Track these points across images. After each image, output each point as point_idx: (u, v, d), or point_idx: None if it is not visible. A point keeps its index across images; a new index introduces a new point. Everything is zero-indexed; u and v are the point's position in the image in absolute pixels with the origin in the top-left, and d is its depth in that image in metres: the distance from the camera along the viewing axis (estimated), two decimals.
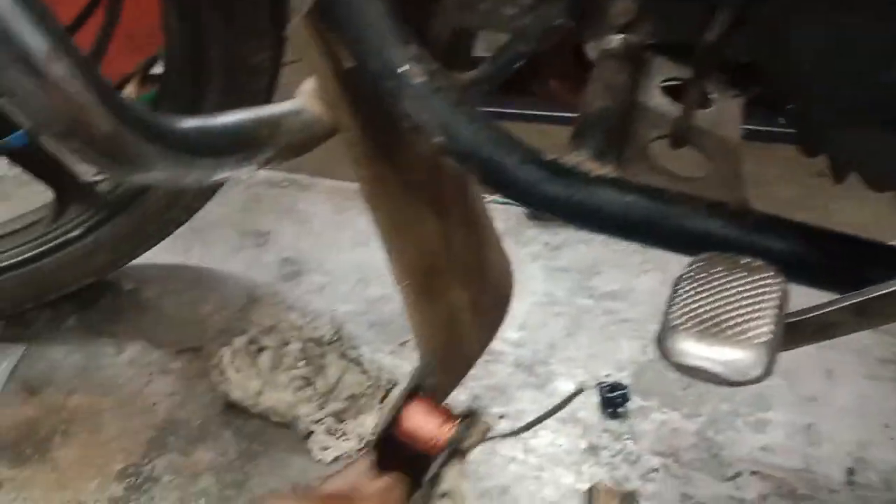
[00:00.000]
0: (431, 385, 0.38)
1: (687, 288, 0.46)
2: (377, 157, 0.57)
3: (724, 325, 0.44)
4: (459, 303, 0.73)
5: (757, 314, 0.44)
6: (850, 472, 0.90)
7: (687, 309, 0.45)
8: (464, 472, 0.36)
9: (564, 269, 1.22)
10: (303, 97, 0.54)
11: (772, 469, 0.91)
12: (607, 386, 0.99)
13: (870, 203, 1.31)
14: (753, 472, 0.91)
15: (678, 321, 0.44)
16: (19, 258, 1.18)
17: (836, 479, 0.89)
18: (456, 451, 0.36)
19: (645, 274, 1.18)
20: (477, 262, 0.77)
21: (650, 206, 0.52)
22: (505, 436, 0.87)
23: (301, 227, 1.36)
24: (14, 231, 1.19)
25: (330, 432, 0.98)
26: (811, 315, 0.46)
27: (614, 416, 0.98)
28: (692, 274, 0.47)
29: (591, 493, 0.77)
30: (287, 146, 0.53)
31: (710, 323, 0.44)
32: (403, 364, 1.07)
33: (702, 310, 0.44)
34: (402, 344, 1.12)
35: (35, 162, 1.12)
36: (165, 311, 1.23)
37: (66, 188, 1.16)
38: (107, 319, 1.22)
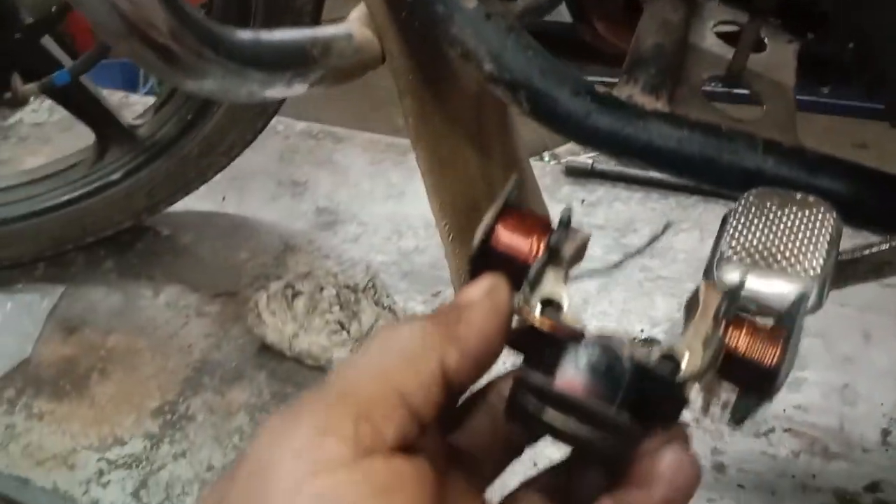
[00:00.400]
0: (522, 200, 0.36)
1: (738, 220, 0.45)
2: (423, 89, 0.57)
3: (775, 257, 0.43)
4: None
5: (809, 248, 0.43)
6: (885, 432, 0.89)
7: (737, 240, 0.44)
8: (564, 278, 0.35)
9: (600, 226, 1.21)
10: (352, 23, 0.54)
11: (805, 427, 0.90)
12: (640, 341, 0.99)
13: None
14: (786, 430, 0.90)
15: (728, 252, 0.43)
16: (60, 199, 1.20)
17: (870, 439, 0.89)
18: (554, 258, 0.35)
19: (683, 232, 1.17)
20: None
21: (703, 141, 0.51)
22: None
23: (337, 179, 1.36)
24: (55, 172, 1.21)
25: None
26: (865, 253, 0.45)
27: None
28: (744, 207, 0.46)
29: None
30: (335, 69, 0.53)
31: (761, 255, 0.43)
32: None
33: (753, 242, 0.44)
34: (435, 295, 1.13)
35: (77, 102, 1.13)
36: (202, 256, 1.25)
37: (107, 131, 1.17)
38: (144, 263, 1.24)
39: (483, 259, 0.35)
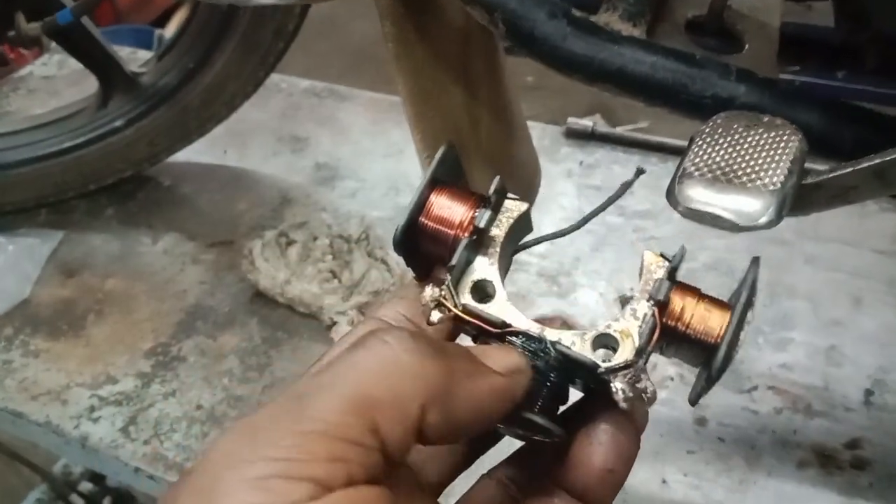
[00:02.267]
0: (456, 174, 0.33)
1: (704, 139, 0.45)
2: (405, 15, 0.57)
3: (737, 174, 0.43)
4: (481, 187, 0.74)
5: (772, 164, 0.43)
6: (868, 393, 0.89)
7: (701, 158, 0.44)
8: (497, 258, 0.32)
9: (597, 187, 1.21)
10: None
11: (789, 385, 0.91)
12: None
13: None
14: (770, 387, 0.91)
15: (691, 168, 0.44)
16: (63, 145, 1.21)
17: (853, 399, 0.89)
18: (484, 236, 0.32)
19: None
20: (503, 151, 0.77)
21: (677, 68, 0.51)
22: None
23: (338, 136, 1.37)
24: (59, 119, 1.23)
25: (352, 323, 1.00)
26: (829, 176, 0.45)
27: None
28: (711, 128, 0.46)
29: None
30: None
31: (723, 171, 0.43)
32: None
33: (716, 159, 0.44)
34: None
35: (80, 46, 1.14)
36: (201, 206, 1.26)
37: (111, 78, 1.19)
38: (144, 211, 1.26)
39: (412, 238, 0.32)
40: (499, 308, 0.31)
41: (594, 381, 0.32)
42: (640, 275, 0.34)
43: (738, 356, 0.96)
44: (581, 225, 0.37)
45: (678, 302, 0.33)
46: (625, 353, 0.32)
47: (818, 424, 0.87)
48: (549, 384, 0.31)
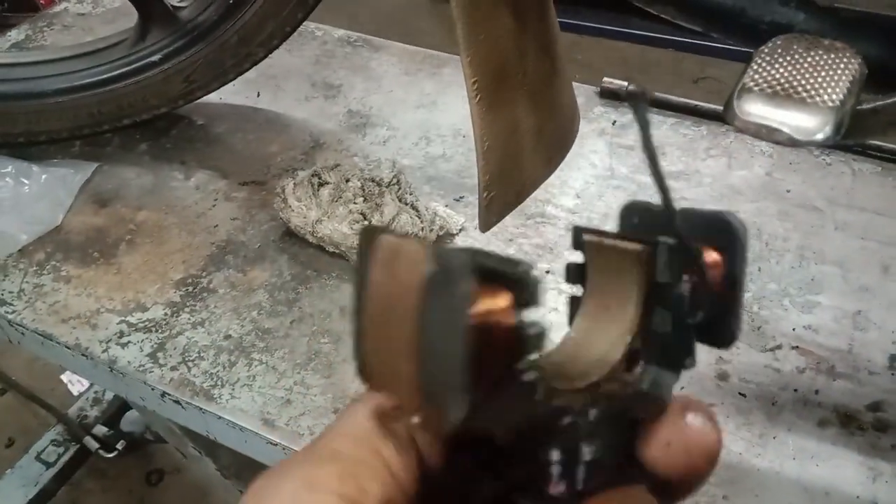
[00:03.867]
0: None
1: (763, 58, 0.45)
2: None
3: (796, 90, 0.43)
4: (524, 123, 0.74)
5: (831, 83, 0.43)
6: (893, 358, 0.89)
7: (760, 75, 0.44)
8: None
9: (630, 147, 1.21)
10: None
11: (813, 346, 0.91)
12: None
13: None
14: (794, 347, 0.91)
15: (750, 84, 0.44)
16: (100, 77, 1.22)
17: (878, 363, 0.89)
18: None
19: (711, 158, 1.17)
20: (546, 89, 0.77)
21: None
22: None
23: (371, 84, 1.37)
24: (97, 50, 1.24)
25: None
26: (888, 101, 0.45)
27: None
28: (770, 49, 0.46)
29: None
30: None
31: (782, 87, 0.43)
32: (456, 216, 1.09)
33: (776, 76, 0.44)
34: (458, 199, 1.14)
35: None
36: (234, 146, 1.27)
37: (151, 10, 1.19)
38: (177, 148, 1.27)
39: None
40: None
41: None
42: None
43: (763, 314, 0.95)
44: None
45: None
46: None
47: (841, 386, 0.87)
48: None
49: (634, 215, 0.35)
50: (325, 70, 1.41)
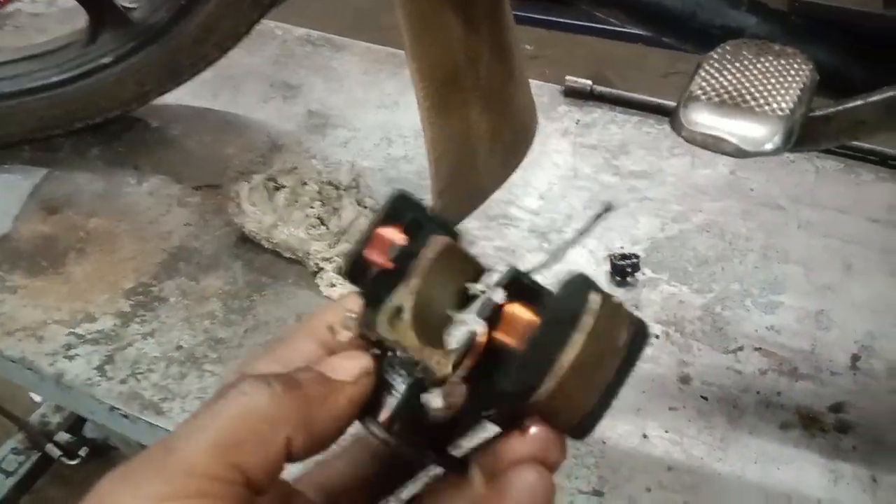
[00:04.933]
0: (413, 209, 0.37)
1: (711, 65, 0.44)
2: None
3: (744, 98, 0.42)
4: (478, 127, 0.72)
5: (781, 91, 0.42)
6: (855, 358, 0.88)
7: (708, 82, 0.43)
8: (414, 288, 0.34)
9: (593, 146, 1.20)
10: None
11: (776, 347, 0.90)
12: (619, 254, 0.98)
13: None
14: (756, 349, 0.90)
15: (697, 92, 0.42)
16: (50, 80, 1.18)
17: (839, 363, 0.88)
18: (412, 265, 0.33)
19: (674, 157, 1.16)
20: (501, 92, 0.75)
21: None
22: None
23: (331, 84, 1.34)
24: (47, 52, 1.20)
25: (339, 271, 0.99)
26: (840, 109, 0.44)
27: (622, 284, 0.97)
28: (719, 53, 0.44)
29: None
30: None
31: (730, 95, 0.42)
32: None
33: (724, 84, 0.42)
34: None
35: None
36: (189, 149, 1.24)
37: (101, 12, 1.15)
38: (131, 152, 1.23)
39: (357, 265, 0.34)
40: (401, 328, 0.31)
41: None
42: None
43: (726, 315, 0.95)
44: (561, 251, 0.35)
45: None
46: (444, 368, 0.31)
47: (803, 387, 0.86)
48: (394, 391, 0.31)
49: (406, 210, 0.35)
50: (285, 70, 1.38)
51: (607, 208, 0.74)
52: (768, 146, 0.40)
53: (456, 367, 0.31)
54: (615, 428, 0.83)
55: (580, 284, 0.33)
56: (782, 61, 0.43)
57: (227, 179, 1.16)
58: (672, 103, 1.25)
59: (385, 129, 1.24)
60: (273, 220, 1.02)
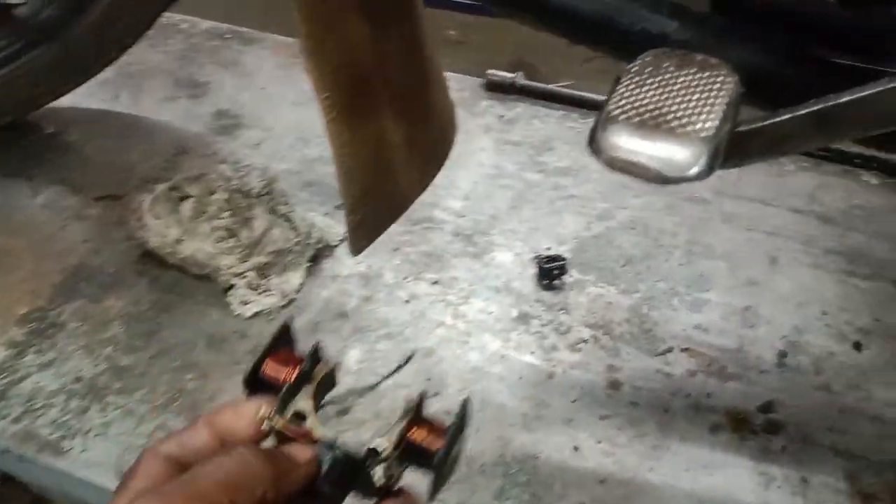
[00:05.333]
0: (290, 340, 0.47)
1: (631, 79, 0.40)
2: None
3: (666, 118, 0.38)
4: (392, 136, 0.67)
5: (705, 108, 0.39)
6: (782, 354, 0.88)
7: (627, 100, 0.39)
8: (313, 396, 0.44)
9: (516, 143, 1.16)
10: None
11: (704, 347, 0.89)
12: (545, 257, 0.95)
13: None
14: (684, 349, 0.89)
15: (616, 112, 0.39)
16: None
17: (767, 361, 0.88)
18: (305, 381, 0.44)
19: None
20: (416, 96, 0.71)
21: (607, 0, 0.46)
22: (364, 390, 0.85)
23: (242, 81, 1.27)
24: None
25: (252, 287, 0.93)
26: (767, 123, 0.41)
27: (549, 287, 0.95)
28: (639, 67, 0.41)
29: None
30: None
31: (651, 115, 0.38)
32: (336, 225, 1.01)
33: (644, 101, 0.39)
34: (338, 206, 1.06)
35: None
36: (88, 156, 1.15)
37: None
38: (24, 162, 1.14)
39: (255, 382, 0.44)
40: (310, 424, 0.43)
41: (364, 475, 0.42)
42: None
43: (653, 316, 0.93)
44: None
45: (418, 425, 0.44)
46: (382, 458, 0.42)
47: (732, 387, 0.85)
48: (331, 468, 0.41)
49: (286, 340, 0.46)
50: (191, 66, 1.30)
51: (409, 358, 0.81)
52: (693, 171, 0.37)
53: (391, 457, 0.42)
54: (547, 441, 0.80)
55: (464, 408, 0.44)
56: (705, 74, 0.40)
57: (131, 188, 1.08)
58: (597, 97, 1.23)
59: (300, 128, 1.18)
60: (178, 233, 0.95)
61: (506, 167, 1.12)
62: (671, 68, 0.41)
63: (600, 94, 1.22)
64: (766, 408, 0.83)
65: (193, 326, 0.91)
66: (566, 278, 0.95)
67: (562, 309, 0.93)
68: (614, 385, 0.85)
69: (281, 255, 0.95)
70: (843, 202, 1.07)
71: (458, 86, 1.24)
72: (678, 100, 0.39)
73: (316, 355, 0.45)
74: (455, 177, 1.10)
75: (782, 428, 0.81)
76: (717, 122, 0.38)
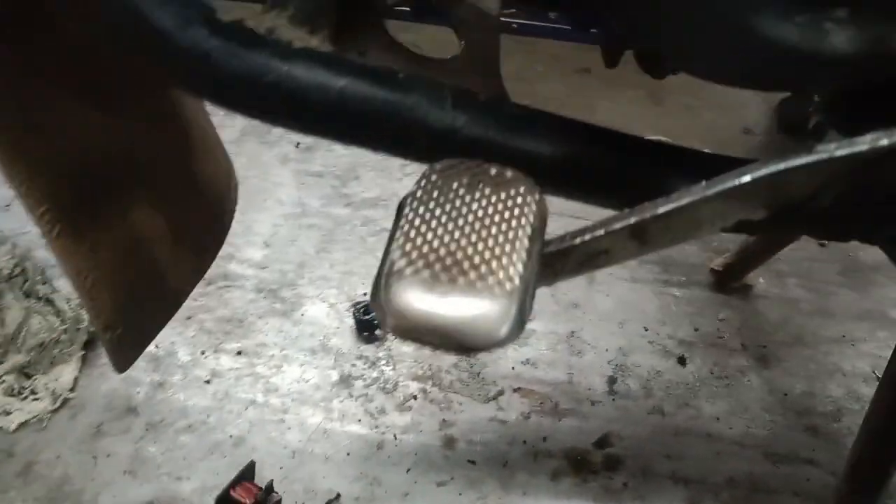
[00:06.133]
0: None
1: (415, 210, 0.33)
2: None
3: (462, 266, 0.31)
4: (148, 229, 0.55)
5: (506, 246, 0.32)
6: (612, 380, 0.86)
7: (414, 243, 0.31)
8: None
9: (318, 173, 1.06)
10: None
11: (535, 384, 0.85)
12: (362, 306, 0.87)
13: (630, 100, 1.28)
14: (516, 390, 0.84)
15: (402, 263, 0.31)
16: None
17: (598, 390, 0.85)
18: None
19: (407, 177, 1.06)
20: (178, 172, 0.59)
21: (375, 94, 0.38)
22: None
23: None
24: None
25: (12, 392, 0.77)
26: (577, 241, 0.35)
27: (370, 339, 0.87)
28: (424, 190, 0.34)
29: None
30: None
31: (443, 263, 0.31)
32: None
33: (434, 243, 0.32)
34: None
35: None
36: None
37: None
38: None
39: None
40: None
41: None
42: None
43: (481, 357, 0.87)
44: None
45: None
46: None
47: (567, 425, 0.82)
48: None
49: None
50: None
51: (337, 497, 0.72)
52: (501, 333, 0.30)
53: None
54: None
55: None
56: (503, 194, 0.34)
57: None
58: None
59: None
60: None
61: (309, 203, 1.02)
62: (461, 191, 0.34)
63: None
64: (603, 442, 0.81)
65: None
66: None
67: (386, 363, 0.85)
68: (449, 443, 0.79)
69: (46, 349, 0.80)
70: None
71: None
72: (474, 238, 0.32)
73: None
74: (251, 221, 0.98)
75: (621, 463, 0.79)
76: (521, 266, 0.31)
